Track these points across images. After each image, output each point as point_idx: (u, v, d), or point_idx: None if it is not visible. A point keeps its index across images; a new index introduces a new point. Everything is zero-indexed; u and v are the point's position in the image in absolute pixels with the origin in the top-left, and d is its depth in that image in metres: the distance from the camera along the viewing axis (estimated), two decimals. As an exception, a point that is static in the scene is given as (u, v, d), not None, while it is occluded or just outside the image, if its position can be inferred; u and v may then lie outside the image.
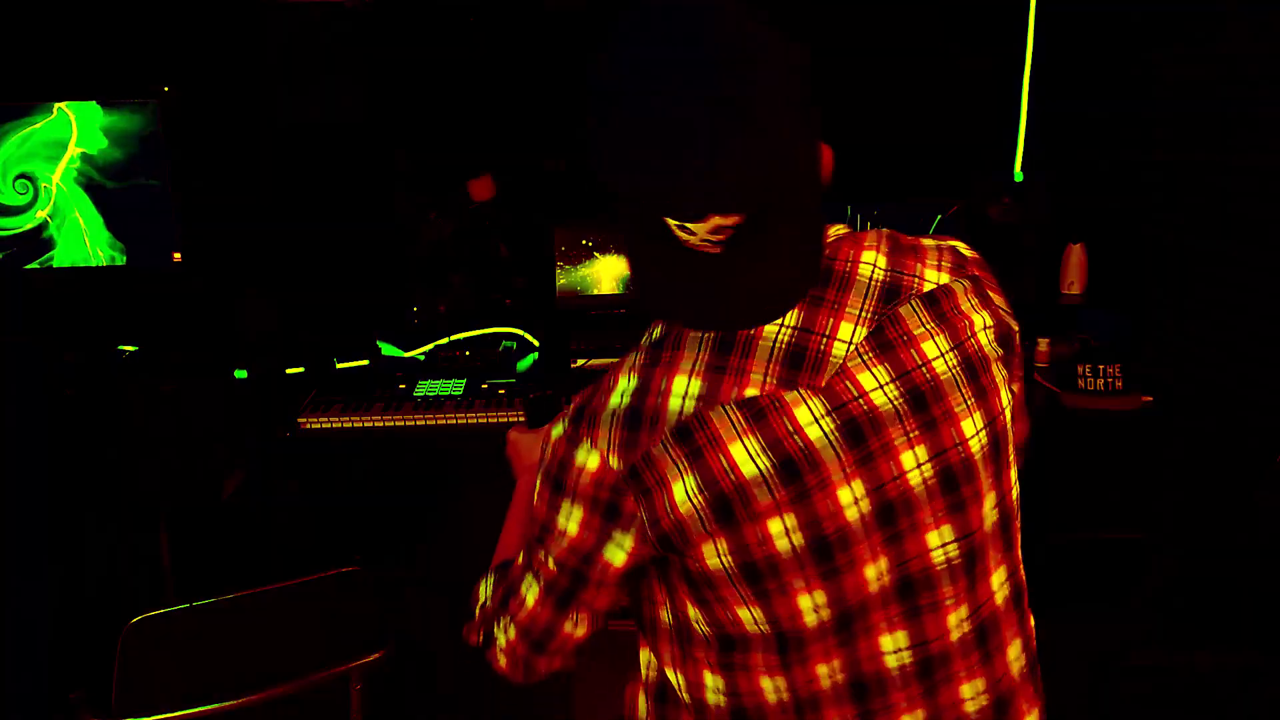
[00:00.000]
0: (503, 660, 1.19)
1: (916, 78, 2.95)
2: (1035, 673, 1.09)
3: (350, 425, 2.37)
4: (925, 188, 2.86)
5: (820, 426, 0.92)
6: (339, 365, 2.78)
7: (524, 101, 2.87)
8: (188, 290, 2.65)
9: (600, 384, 1.00)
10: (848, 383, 0.93)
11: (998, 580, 1.01)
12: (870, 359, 0.94)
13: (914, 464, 0.94)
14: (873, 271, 0.97)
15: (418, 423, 2.37)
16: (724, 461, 0.91)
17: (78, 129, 2.46)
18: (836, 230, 1.00)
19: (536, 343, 2.81)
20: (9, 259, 2.50)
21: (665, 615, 1.05)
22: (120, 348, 2.67)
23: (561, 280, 2.80)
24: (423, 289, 2.78)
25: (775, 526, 0.92)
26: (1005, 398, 0.99)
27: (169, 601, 1.52)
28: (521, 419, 2.36)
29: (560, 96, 2.87)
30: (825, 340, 0.93)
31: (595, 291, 2.80)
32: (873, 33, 2.91)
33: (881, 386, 0.93)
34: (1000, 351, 0.99)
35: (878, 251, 0.98)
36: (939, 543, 0.96)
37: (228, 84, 2.70)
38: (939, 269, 1.00)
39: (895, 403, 0.93)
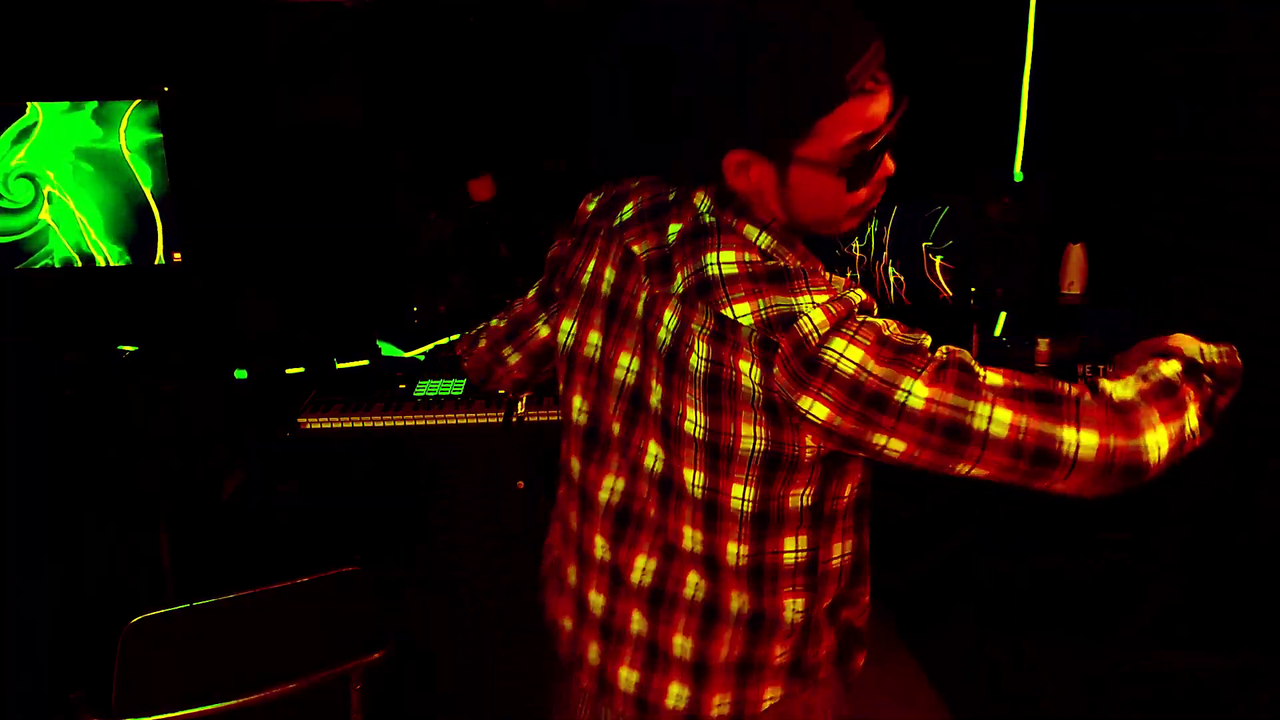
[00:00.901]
0: (482, 341, 1.47)
1: (916, 77, 2.95)
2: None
3: (350, 425, 2.37)
4: (926, 186, 2.86)
5: (639, 305, 1.15)
6: (339, 365, 2.78)
7: (524, 101, 2.87)
8: (188, 290, 2.65)
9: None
10: (663, 305, 1.11)
11: (688, 531, 1.13)
12: (675, 306, 1.10)
13: (654, 389, 1.13)
14: (717, 262, 1.08)
15: (418, 423, 2.37)
16: (600, 269, 1.20)
17: (77, 129, 2.46)
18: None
19: (536, 343, 2.81)
20: (9, 259, 2.50)
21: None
22: (120, 348, 2.67)
23: (561, 280, 2.80)
24: (423, 289, 2.78)
25: (591, 335, 1.19)
26: (748, 430, 1.05)
27: (169, 601, 1.52)
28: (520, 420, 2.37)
29: (560, 96, 2.87)
30: (675, 271, 1.11)
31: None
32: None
33: (665, 329, 1.10)
34: (761, 401, 1.04)
35: (746, 250, 1.08)
36: (653, 451, 1.14)
37: (228, 84, 2.70)
38: (750, 306, 1.04)
39: (664, 345, 1.10)
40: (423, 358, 2.89)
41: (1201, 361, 1.19)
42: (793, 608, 1.16)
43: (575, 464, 1.24)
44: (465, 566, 2.44)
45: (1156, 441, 1.02)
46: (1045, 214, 2.83)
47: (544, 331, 1.39)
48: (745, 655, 1.16)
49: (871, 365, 0.99)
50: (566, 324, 1.23)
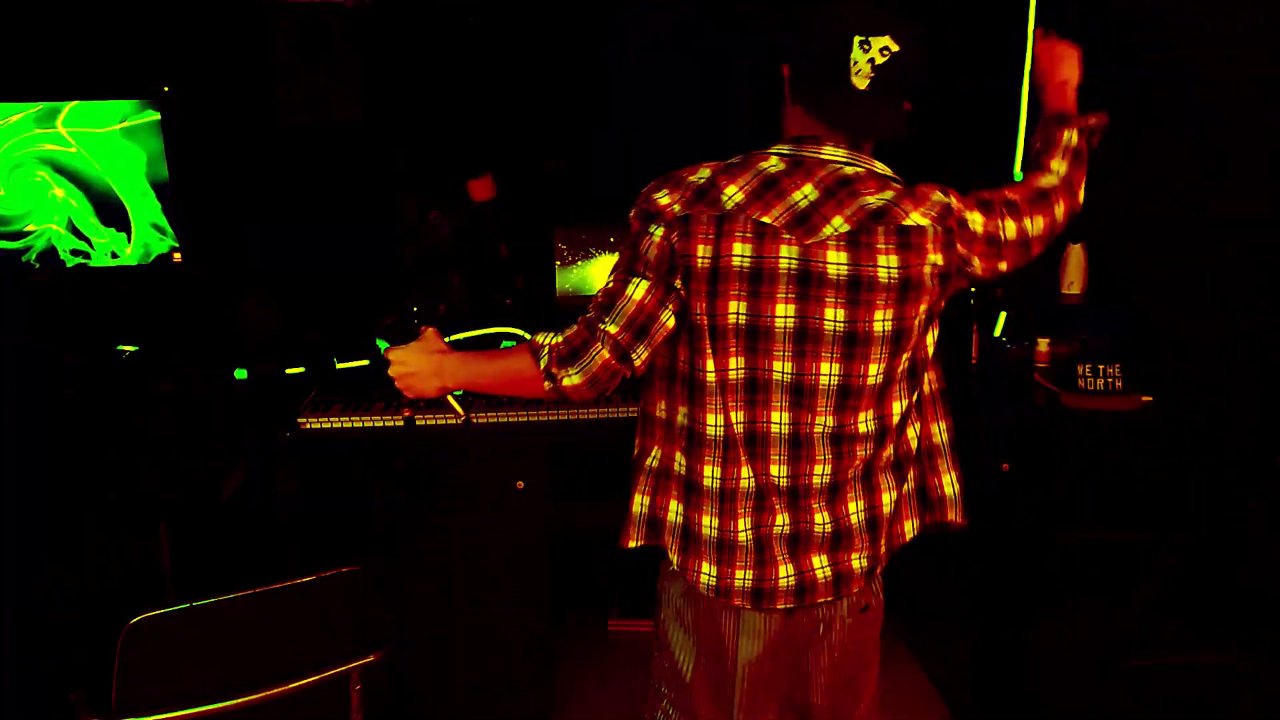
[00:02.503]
0: (605, 353, 1.47)
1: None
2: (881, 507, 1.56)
3: (350, 425, 2.37)
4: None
5: (788, 264, 1.40)
6: (339, 365, 2.78)
7: (524, 101, 2.87)
8: (188, 290, 2.65)
9: (686, 168, 1.47)
10: (819, 250, 1.41)
11: (864, 416, 1.47)
12: (839, 243, 1.40)
13: (831, 317, 1.41)
14: (882, 197, 1.42)
15: (417, 422, 2.37)
16: (728, 249, 1.40)
17: (77, 128, 2.46)
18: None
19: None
20: (8, 259, 2.50)
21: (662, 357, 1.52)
22: (120, 348, 2.67)
23: (561, 280, 2.80)
24: (423, 289, 2.78)
25: (732, 306, 1.42)
26: (923, 308, 1.45)
27: (169, 601, 1.52)
28: (518, 419, 2.37)
29: (560, 96, 2.87)
30: (823, 220, 1.41)
31: (595, 291, 2.80)
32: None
33: (837, 264, 1.40)
34: (938, 277, 1.45)
35: (890, 187, 1.44)
36: (828, 372, 1.43)
37: (228, 84, 2.70)
38: (924, 214, 1.43)
39: (839, 275, 1.40)
40: (423, 358, 2.89)
41: (1088, 126, 1.67)
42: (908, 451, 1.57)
43: (737, 414, 1.46)
44: (465, 567, 2.44)
45: (1082, 197, 1.64)
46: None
47: (670, 322, 1.47)
48: (896, 509, 1.56)
49: (987, 220, 1.51)
50: (698, 305, 1.43)
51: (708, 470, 1.49)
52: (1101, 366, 2.49)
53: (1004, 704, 2.54)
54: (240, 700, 1.56)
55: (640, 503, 1.57)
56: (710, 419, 1.47)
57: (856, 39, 1.36)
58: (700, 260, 1.41)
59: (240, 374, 2.53)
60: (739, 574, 1.50)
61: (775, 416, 1.46)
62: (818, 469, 1.48)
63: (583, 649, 3.01)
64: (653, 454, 1.56)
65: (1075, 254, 2.83)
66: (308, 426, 2.37)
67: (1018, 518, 2.46)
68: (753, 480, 1.48)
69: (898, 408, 1.50)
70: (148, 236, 2.53)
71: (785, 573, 1.51)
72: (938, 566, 2.96)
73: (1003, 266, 1.54)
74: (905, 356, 1.47)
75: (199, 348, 2.49)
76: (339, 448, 2.38)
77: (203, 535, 2.35)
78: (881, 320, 1.42)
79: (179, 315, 2.76)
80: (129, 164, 2.49)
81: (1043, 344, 2.82)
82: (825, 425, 1.46)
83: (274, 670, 1.60)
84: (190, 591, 1.57)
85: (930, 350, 1.52)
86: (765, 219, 1.40)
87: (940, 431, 1.59)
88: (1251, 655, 1.96)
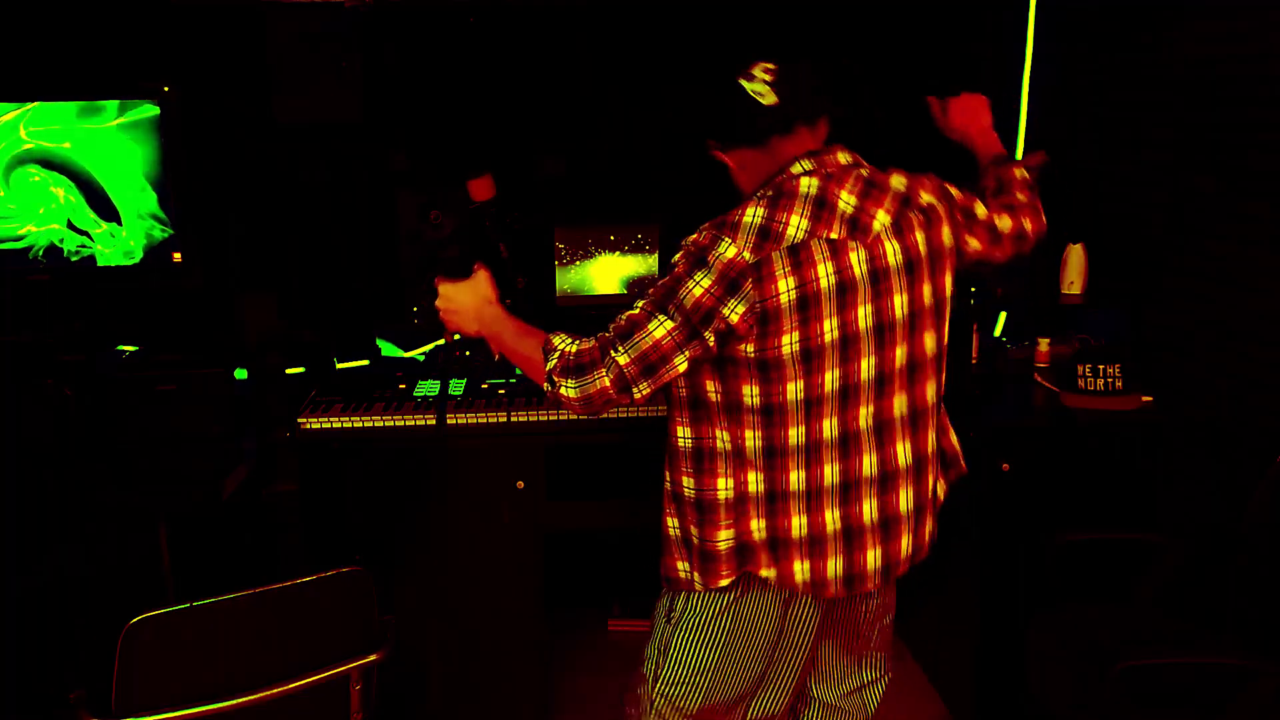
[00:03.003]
0: (605, 379, 1.53)
1: (916, 76, 2.95)
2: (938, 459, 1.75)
3: (350, 425, 2.37)
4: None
5: (860, 268, 1.53)
6: (339, 365, 2.78)
7: (524, 101, 2.87)
8: (188, 290, 2.65)
9: (731, 212, 1.55)
10: (879, 246, 1.55)
11: (930, 388, 1.65)
12: (890, 234, 1.56)
13: (900, 304, 1.57)
14: (899, 184, 1.61)
15: (418, 422, 2.37)
16: (812, 274, 1.50)
17: (77, 128, 2.46)
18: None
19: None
20: (6, 258, 2.49)
21: (713, 393, 1.59)
22: (120, 348, 2.67)
23: (561, 280, 2.80)
24: (423, 289, 2.78)
25: (827, 325, 1.52)
26: (948, 279, 1.66)
27: (169, 601, 1.52)
28: (517, 419, 2.37)
29: (560, 97, 2.87)
30: (870, 218, 1.55)
31: (595, 291, 2.80)
32: (874, 33, 2.91)
33: (894, 253, 1.56)
34: (951, 248, 1.66)
35: (898, 174, 1.64)
36: (901, 354, 1.59)
37: (228, 84, 2.70)
38: (931, 194, 1.65)
39: (898, 263, 1.56)
40: (423, 358, 2.89)
41: (1033, 165, 1.94)
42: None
43: (830, 425, 1.57)
44: (465, 567, 2.44)
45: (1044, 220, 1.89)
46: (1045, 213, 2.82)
47: (682, 367, 1.54)
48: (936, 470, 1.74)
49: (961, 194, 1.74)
50: (786, 339, 1.51)
51: (793, 477, 1.58)
52: (1101, 366, 2.49)
53: (1004, 704, 2.54)
54: (240, 700, 1.56)
55: (726, 537, 1.61)
56: (793, 433, 1.56)
57: (741, 83, 1.56)
58: (785, 296, 1.49)
59: (240, 374, 2.53)
60: (830, 564, 1.62)
61: (863, 412, 1.58)
62: (901, 449, 1.62)
63: (582, 649, 3.01)
64: (721, 487, 1.61)
65: (1075, 254, 2.83)
66: (308, 426, 2.37)
67: (1018, 518, 2.46)
68: (838, 477, 1.59)
69: (943, 379, 1.69)
70: (146, 236, 2.52)
71: (873, 557, 1.64)
72: (938, 567, 2.96)
73: (978, 246, 1.75)
74: (945, 330, 1.67)
75: (199, 348, 2.49)
76: (339, 448, 2.38)
77: (203, 535, 2.35)
78: (928, 295, 1.61)
79: (179, 315, 2.76)
80: (128, 162, 2.48)
81: (1043, 344, 2.82)
82: (902, 406, 1.61)
83: (274, 670, 1.60)
84: (190, 591, 1.56)
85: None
86: (833, 235, 1.52)
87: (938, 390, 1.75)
88: (1252, 655, 1.96)
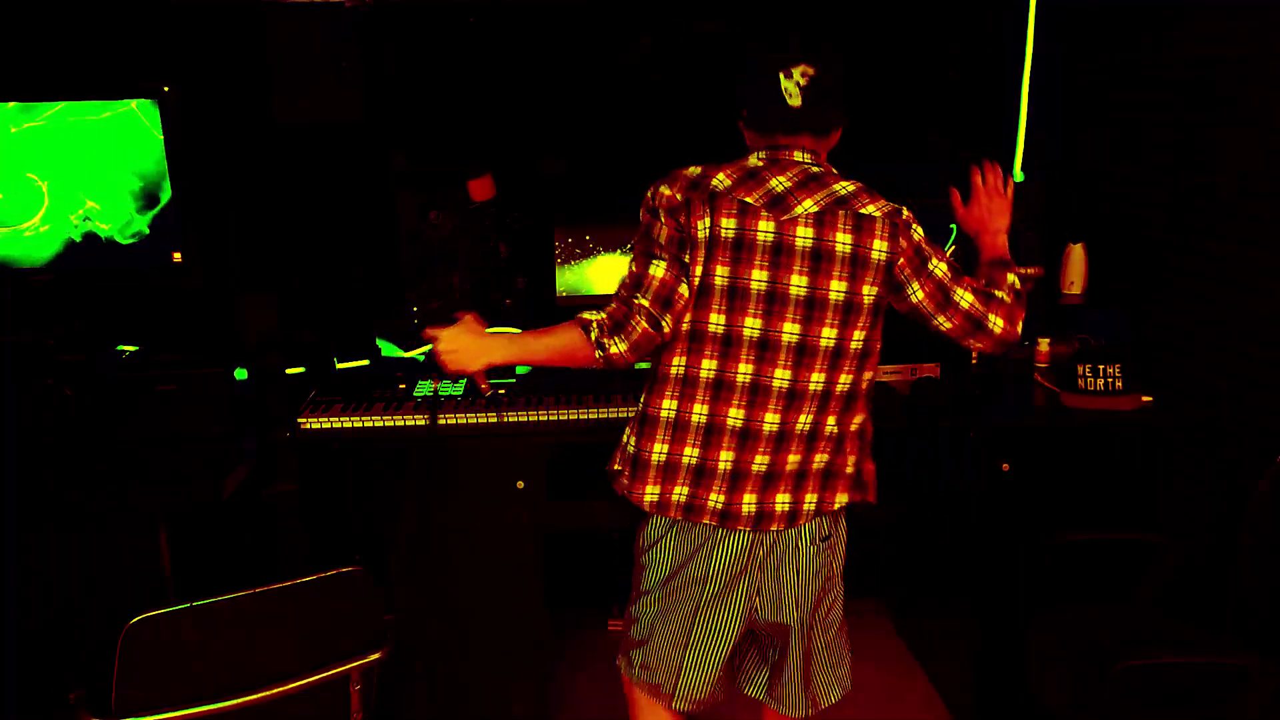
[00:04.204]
0: (643, 323, 1.73)
1: (916, 77, 2.95)
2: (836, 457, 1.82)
3: (350, 425, 2.37)
4: (930, 189, 2.86)
5: (764, 235, 1.70)
6: (339, 365, 2.78)
7: (524, 101, 2.87)
8: (188, 290, 2.65)
9: (676, 170, 1.77)
10: (791, 226, 1.70)
11: (816, 377, 1.73)
12: (808, 220, 1.70)
13: (796, 283, 1.70)
14: (843, 188, 1.74)
15: (418, 422, 2.37)
16: (719, 220, 1.69)
17: (77, 128, 2.46)
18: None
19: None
20: (6, 258, 2.49)
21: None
22: (120, 348, 2.67)
23: (561, 280, 2.80)
24: (423, 289, 2.78)
25: (718, 269, 1.70)
26: (868, 290, 1.73)
27: (169, 601, 1.52)
28: (517, 419, 2.37)
29: (560, 97, 2.87)
30: (796, 202, 1.71)
31: (595, 291, 2.80)
32: (876, 33, 2.91)
33: (805, 237, 1.70)
34: (884, 265, 1.73)
35: (852, 184, 1.76)
36: (791, 330, 1.71)
37: (228, 84, 2.70)
38: (877, 210, 1.74)
39: (805, 247, 1.70)
40: (422, 358, 2.89)
41: (1027, 275, 2.04)
42: (859, 423, 1.83)
43: (709, 363, 1.73)
44: (465, 566, 2.44)
45: (1020, 328, 1.86)
46: (1045, 214, 2.83)
47: (687, 292, 1.72)
48: (830, 471, 1.81)
49: (925, 242, 1.78)
50: (697, 269, 1.70)
51: (697, 408, 1.75)
52: (1101, 366, 2.49)
53: (1004, 704, 2.54)
54: (240, 700, 1.56)
55: (628, 442, 1.83)
56: (705, 363, 1.74)
57: (781, 74, 1.71)
58: (700, 232, 1.69)
59: (240, 374, 2.53)
60: (713, 497, 1.78)
61: (741, 368, 1.73)
62: (769, 417, 1.74)
63: (582, 649, 3.01)
64: (645, 403, 1.82)
65: (1075, 254, 2.84)
66: (308, 426, 2.37)
67: (1018, 518, 2.46)
68: (706, 418, 1.75)
69: (843, 380, 1.75)
70: (147, 235, 2.52)
71: (714, 500, 1.78)
72: (937, 567, 2.96)
73: (923, 298, 1.77)
74: (857, 335, 1.74)
75: (199, 348, 2.49)
76: (339, 448, 2.38)
77: (203, 535, 2.35)
78: (836, 290, 1.71)
79: (179, 315, 2.76)
80: (127, 162, 2.48)
81: (1043, 344, 2.82)
82: (783, 379, 1.72)
83: (274, 670, 1.60)
84: (190, 591, 1.56)
85: (878, 349, 1.80)
86: (748, 199, 1.70)
87: (869, 426, 1.87)
88: (1252, 655, 1.96)
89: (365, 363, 2.83)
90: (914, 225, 1.76)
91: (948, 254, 1.82)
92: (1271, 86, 2.23)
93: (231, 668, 1.58)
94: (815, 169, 1.76)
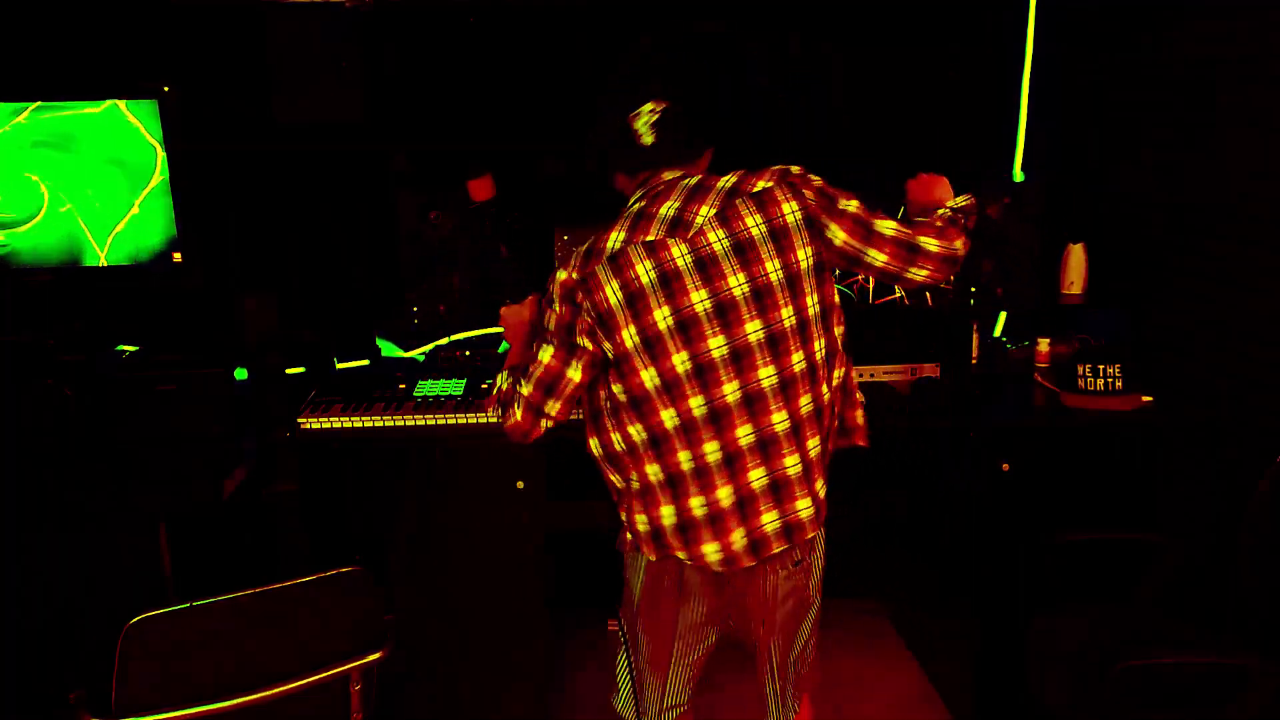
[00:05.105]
0: (518, 413, 1.78)
1: (916, 76, 2.95)
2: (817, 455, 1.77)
3: (350, 425, 2.37)
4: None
5: (683, 259, 1.66)
6: (339, 365, 2.78)
7: (524, 101, 2.87)
8: (188, 290, 2.65)
9: (575, 248, 1.77)
10: (701, 237, 1.67)
11: (796, 357, 1.70)
12: (713, 224, 1.67)
13: (736, 283, 1.67)
14: (727, 182, 1.71)
15: (418, 422, 2.37)
16: (631, 274, 1.67)
17: (77, 128, 2.46)
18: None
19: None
20: (6, 258, 2.49)
21: (603, 398, 1.77)
22: (120, 348, 2.67)
23: (561, 280, 2.80)
24: (423, 289, 2.78)
25: (658, 315, 1.66)
26: (802, 254, 1.69)
27: (169, 601, 1.52)
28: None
29: (560, 97, 2.87)
30: (693, 215, 1.68)
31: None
32: (876, 33, 2.91)
33: (719, 240, 1.67)
34: (802, 222, 1.69)
35: (733, 174, 1.73)
36: (753, 329, 1.67)
37: (228, 84, 2.70)
38: (768, 180, 1.70)
39: (724, 248, 1.67)
40: (422, 358, 2.89)
41: (959, 206, 1.91)
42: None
43: (696, 399, 1.69)
44: (465, 566, 2.44)
45: (961, 245, 1.83)
46: (1044, 214, 2.83)
47: (578, 376, 1.74)
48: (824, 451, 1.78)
49: (827, 185, 1.75)
50: (625, 333, 1.67)
51: (681, 458, 1.71)
52: (1101, 366, 2.49)
53: (1004, 704, 2.54)
54: (240, 700, 1.56)
55: (641, 521, 1.78)
56: (666, 416, 1.70)
57: (629, 119, 1.70)
58: (613, 297, 1.67)
59: (240, 374, 2.53)
60: (735, 537, 1.74)
61: (726, 389, 1.68)
62: (776, 417, 1.70)
63: (583, 649, 3.01)
64: (633, 478, 1.78)
65: (1075, 254, 2.84)
66: (308, 426, 2.37)
67: (1018, 518, 2.46)
68: (720, 451, 1.71)
69: (819, 346, 1.73)
70: (147, 236, 2.52)
71: (770, 519, 1.75)
72: (937, 567, 2.96)
73: (845, 237, 1.73)
74: (810, 300, 1.70)
75: (199, 348, 2.49)
76: (339, 448, 2.38)
77: (203, 535, 2.35)
78: (774, 270, 1.67)
79: (179, 315, 2.76)
80: (128, 161, 2.48)
81: (1043, 344, 2.82)
82: (770, 377, 1.69)
83: (274, 670, 1.60)
84: (190, 591, 1.56)
85: (835, 299, 1.77)
86: (650, 237, 1.68)
87: (849, 374, 1.86)
88: (1252, 655, 1.96)
89: (365, 363, 2.83)
90: (808, 175, 1.74)
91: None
92: (1271, 86, 2.23)
93: (231, 668, 1.58)
94: (691, 180, 1.72)
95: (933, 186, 1.99)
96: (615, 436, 1.76)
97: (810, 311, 1.71)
